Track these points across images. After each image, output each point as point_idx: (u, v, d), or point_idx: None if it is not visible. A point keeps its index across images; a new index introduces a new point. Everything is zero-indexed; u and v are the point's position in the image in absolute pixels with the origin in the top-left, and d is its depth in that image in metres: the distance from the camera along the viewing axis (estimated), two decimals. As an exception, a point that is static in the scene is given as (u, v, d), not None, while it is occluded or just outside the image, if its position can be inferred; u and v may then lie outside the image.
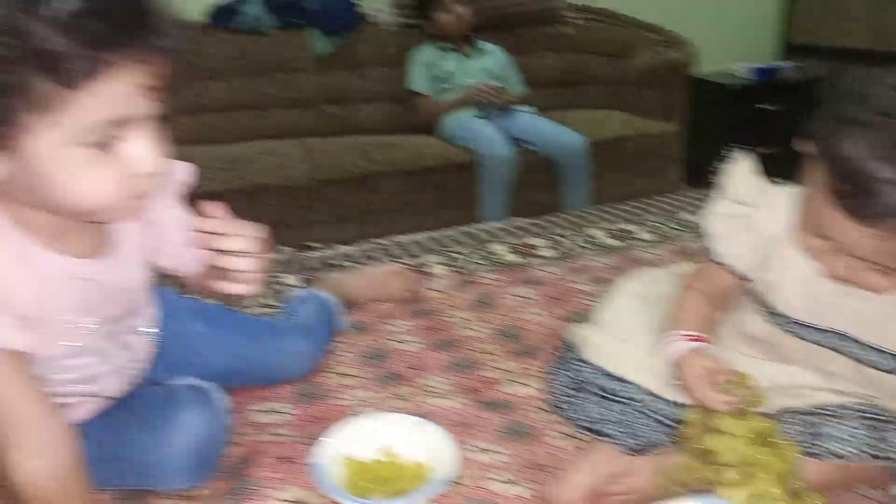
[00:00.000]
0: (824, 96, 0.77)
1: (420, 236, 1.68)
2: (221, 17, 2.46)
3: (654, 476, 0.84)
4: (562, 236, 1.67)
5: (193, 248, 0.79)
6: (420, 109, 2.55)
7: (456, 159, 2.34)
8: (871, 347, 0.86)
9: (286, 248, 1.59)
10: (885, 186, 0.69)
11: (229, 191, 1.95)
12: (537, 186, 2.38)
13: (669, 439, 0.89)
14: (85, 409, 0.83)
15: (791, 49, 3.46)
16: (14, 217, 0.67)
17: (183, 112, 0.65)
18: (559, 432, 0.97)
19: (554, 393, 1.00)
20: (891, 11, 3.05)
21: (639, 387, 0.93)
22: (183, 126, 0.70)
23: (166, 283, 0.93)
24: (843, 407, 0.85)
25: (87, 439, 0.74)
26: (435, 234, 1.70)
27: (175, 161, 0.74)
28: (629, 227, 1.72)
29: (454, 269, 1.50)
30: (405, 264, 1.48)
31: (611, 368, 0.96)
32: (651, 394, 0.92)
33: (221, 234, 0.70)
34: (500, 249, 1.60)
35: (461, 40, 2.55)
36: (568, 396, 0.98)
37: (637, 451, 0.88)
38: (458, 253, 1.58)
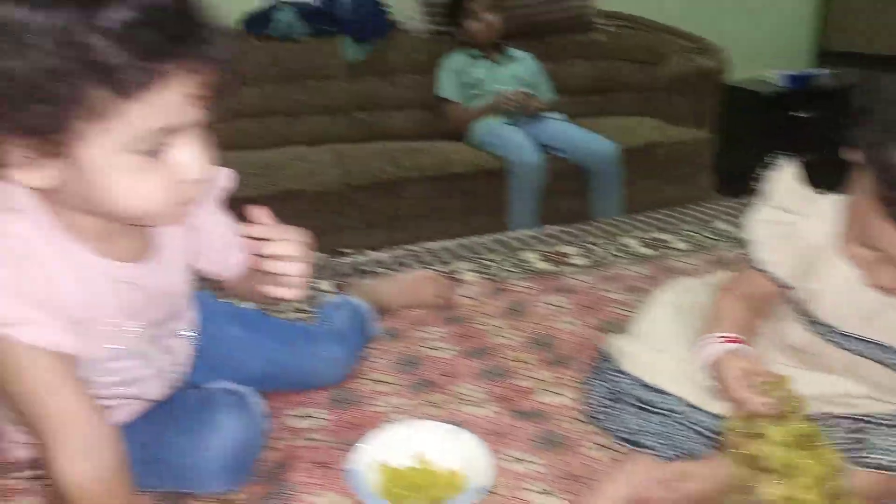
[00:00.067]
0: (867, 103, 0.76)
1: (451, 243, 1.68)
2: (255, 25, 2.49)
3: (710, 481, 0.83)
4: (594, 244, 1.66)
5: (239, 252, 0.80)
6: (449, 116, 2.55)
7: (485, 166, 2.34)
8: (915, 359, 0.84)
9: (319, 254, 1.60)
10: None
11: (262, 196, 1.95)
12: (566, 193, 2.37)
13: (709, 449, 0.88)
14: (125, 412, 0.84)
15: (825, 56, 3.40)
16: (62, 221, 0.68)
17: (218, 118, 0.66)
18: (594, 443, 0.96)
19: (590, 403, 1.00)
20: (928, 17, 2.99)
21: (677, 398, 0.92)
22: (218, 132, 0.71)
23: (204, 286, 0.94)
24: (890, 416, 0.84)
25: (126, 441, 0.75)
26: (466, 240, 1.70)
27: (217, 167, 0.75)
28: (663, 235, 1.70)
29: (486, 276, 1.50)
30: (437, 271, 1.48)
31: (647, 379, 0.95)
32: (690, 405, 0.91)
33: (269, 239, 0.71)
34: (531, 257, 1.59)
35: (491, 47, 2.55)
36: (604, 407, 0.97)
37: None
38: (490, 260, 1.58)
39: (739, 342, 0.91)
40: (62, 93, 0.55)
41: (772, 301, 0.98)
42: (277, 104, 2.55)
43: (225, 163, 0.83)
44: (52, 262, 0.67)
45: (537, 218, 2.28)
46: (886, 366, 0.86)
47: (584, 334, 1.24)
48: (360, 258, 1.60)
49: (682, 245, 1.65)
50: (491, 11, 2.50)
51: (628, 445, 0.92)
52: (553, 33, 2.80)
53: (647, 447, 0.89)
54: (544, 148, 2.37)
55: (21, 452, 0.87)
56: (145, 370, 0.81)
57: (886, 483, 0.81)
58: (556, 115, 2.54)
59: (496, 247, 1.66)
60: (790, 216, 0.92)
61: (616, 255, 1.60)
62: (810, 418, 0.84)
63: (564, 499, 0.86)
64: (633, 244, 1.66)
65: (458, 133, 2.49)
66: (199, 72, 0.60)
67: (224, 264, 0.89)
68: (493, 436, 0.96)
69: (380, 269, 1.52)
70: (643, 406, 0.93)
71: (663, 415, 0.91)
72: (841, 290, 0.86)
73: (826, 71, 3.20)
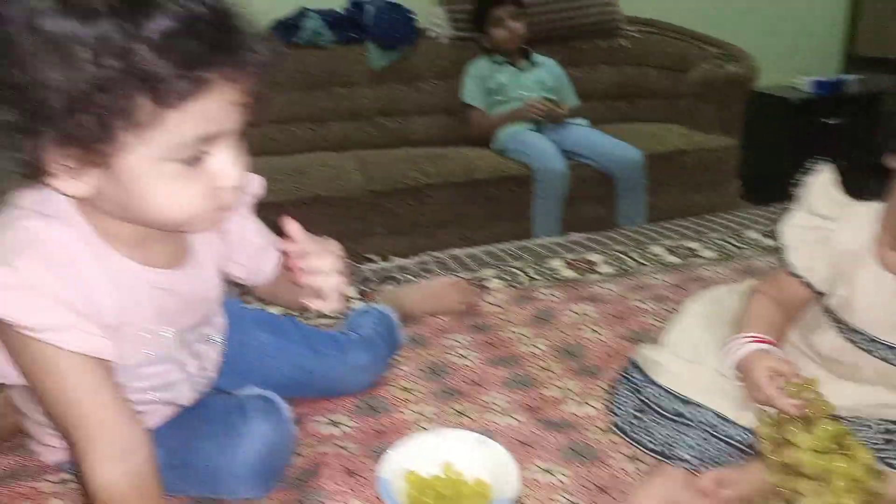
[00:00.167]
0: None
1: (476, 250, 1.68)
2: (282, 32, 2.51)
3: (747, 487, 0.82)
4: (621, 253, 1.64)
5: (268, 257, 0.81)
6: (473, 122, 2.56)
7: (509, 172, 2.34)
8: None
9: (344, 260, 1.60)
10: None
11: (287, 202, 1.98)
12: (591, 200, 2.36)
13: (741, 461, 0.86)
14: (157, 417, 0.85)
15: (854, 61, 3.35)
16: (99, 228, 0.69)
17: (249, 124, 0.66)
18: (623, 454, 0.95)
19: (619, 414, 0.98)
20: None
21: (708, 409, 0.91)
22: (246, 138, 0.71)
23: (232, 292, 0.95)
24: None
25: (156, 446, 0.76)
26: (491, 247, 1.69)
27: (249, 173, 0.76)
28: (690, 244, 1.69)
29: (511, 283, 1.49)
30: (461, 277, 1.48)
31: (678, 390, 0.93)
32: (721, 416, 0.90)
33: (309, 253, 0.72)
34: (557, 264, 1.58)
35: (516, 53, 2.55)
36: (633, 418, 0.96)
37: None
38: (515, 267, 1.57)
39: (769, 343, 0.90)
40: (107, 103, 0.56)
41: (803, 307, 0.96)
42: (303, 110, 2.57)
43: (253, 168, 0.84)
44: (90, 268, 0.67)
45: (561, 225, 2.27)
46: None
47: (612, 344, 1.22)
48: (385, 264, 1.60)
49: (709, 253, 1.63)
50: (516, 18, 2.51)
51: (659, 457, 0.90)
52: (578, 39, 2.79)
53: (677, 458, 0.87)
54: (569, 154, 2.36)
55: (54, 456, 0.88)
56: (177, 375, 0.82)
57: None
58: (580, 120, 2.53)
59: (521, 254, 1.65)
60: (825, 222, 0.91)
61: (642, 264, 1.58)
62: (838, 418, 0.82)
63: (593, 511, 0.85)
64: (661, 252, 1.64)
65: (482, 139, 2.49)
66: (238, 79, 0.60)
67: (254, 269, 0.89)
68: (519, 445, 0.96)
69: (405, 276, 1.52)
70: (672, 417, 0.92)
71: (692, 426, 0.90)
72: (875, 297, 0.85)
73: (855, 77, 3.15)
